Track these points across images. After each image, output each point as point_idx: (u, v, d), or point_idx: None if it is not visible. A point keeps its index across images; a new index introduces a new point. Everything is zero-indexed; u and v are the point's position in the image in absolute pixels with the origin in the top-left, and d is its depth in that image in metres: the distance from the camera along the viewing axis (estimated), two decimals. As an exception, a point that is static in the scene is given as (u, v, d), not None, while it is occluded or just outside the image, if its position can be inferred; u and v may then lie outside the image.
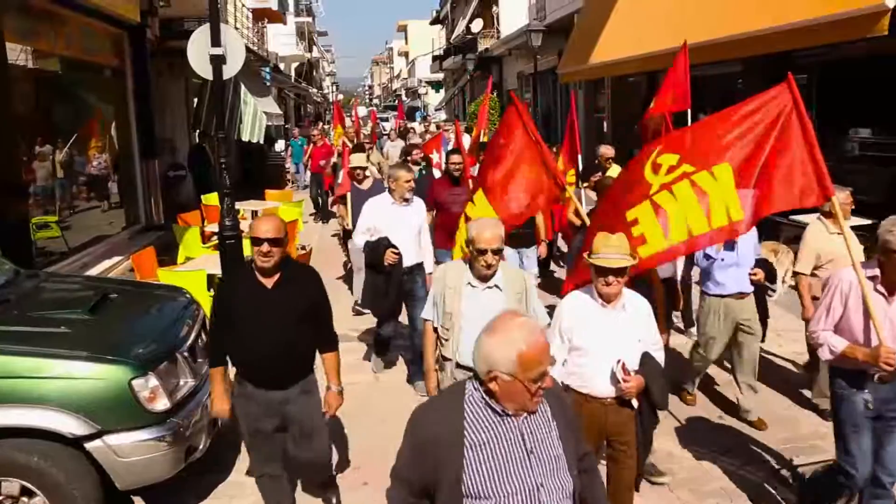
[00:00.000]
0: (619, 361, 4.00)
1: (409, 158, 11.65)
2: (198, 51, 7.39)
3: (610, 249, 4.00)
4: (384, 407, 6.67)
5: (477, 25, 36.31)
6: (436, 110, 50.74)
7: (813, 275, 6.21)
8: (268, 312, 4.18)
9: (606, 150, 9.94)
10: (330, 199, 15.17)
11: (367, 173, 9.36)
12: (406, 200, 6.88)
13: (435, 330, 4.71)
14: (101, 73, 12.13)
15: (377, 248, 6.61)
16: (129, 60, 12.44)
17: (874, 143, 9.98)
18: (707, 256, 6.15)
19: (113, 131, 12.42)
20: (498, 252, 4.28)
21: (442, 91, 58.04)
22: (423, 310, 4.85)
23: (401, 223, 6.83)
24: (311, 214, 17.83)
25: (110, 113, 12.44)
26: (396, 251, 6.57)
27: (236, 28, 19.43)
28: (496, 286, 4.39)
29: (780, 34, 8.86)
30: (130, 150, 12.60)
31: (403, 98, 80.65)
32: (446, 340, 4.54)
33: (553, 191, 5.65)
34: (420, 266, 7.06)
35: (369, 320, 8.65)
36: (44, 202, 9.83)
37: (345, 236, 10.04)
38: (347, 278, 10.69)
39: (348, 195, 9.22)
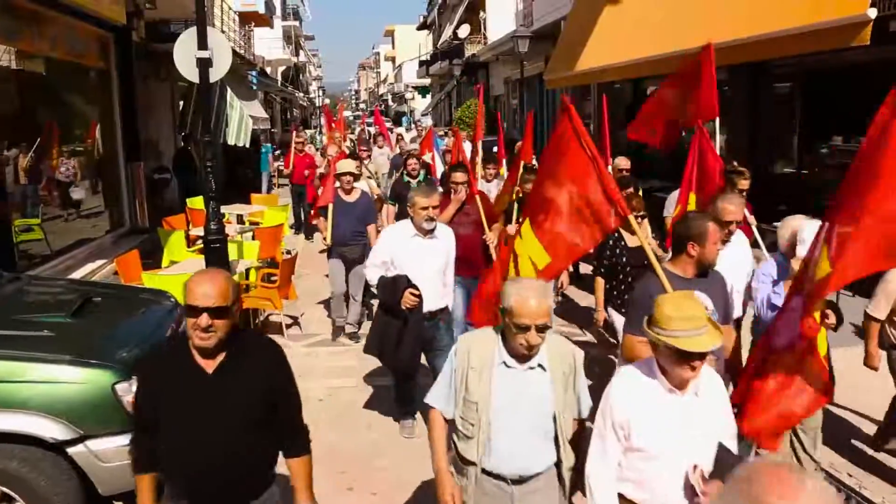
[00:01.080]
0: (695, 468, 2.99)
1: (405, 170, 10.65)
2: (184, 53, 7.36)
3: (690, 324, 2.95)
4: (369, 412, 6.66)
5: (464, 31, 36.43)
6: (422, 115, 50.73)
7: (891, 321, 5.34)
8: (207, 408, 3.01)
9: (621, 162, 9.89)
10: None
11: (357, 183, 8.72)
12: (429, 231, 5.76)
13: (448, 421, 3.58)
14: (86, 74, 12.07)
15: (394, 288, 5.54)
16: (114, 62, 12.38)
17: (857, 152, 10.05)
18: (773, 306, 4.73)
19: (98, 133, 12.36)
20: (544, 329, 3.22)
21: (428, 96, 58.16)
22: (430, 393, 3.66)
23: (424, 258, 5.73)
24: (290, 227, 15.70)
25: (95, 115, 12.37)
26: (417, 292, 5.51)
27: (223, 31, 19.39)
28: (539, 366, 3.35)
29: (765, 43, 8.92)
30: (115, 152, 12.54)
31: (390, 103, 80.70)
32: (469, 438, 3.43)
33: (609, 221, 4.29)
34: (445, 310, 6.05)
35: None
36: (27, 204, 9.77)
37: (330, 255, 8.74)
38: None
39: (330, 207, 8.36)
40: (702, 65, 6.60)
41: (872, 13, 7.01)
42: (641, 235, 4.51)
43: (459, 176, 7.04)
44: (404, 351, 5.66)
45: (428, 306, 5.68)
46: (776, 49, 8.88)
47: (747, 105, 11.90)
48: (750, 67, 10.80)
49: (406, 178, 10.46)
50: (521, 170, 7.72)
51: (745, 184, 6.84)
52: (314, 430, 6.20)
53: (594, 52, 14.38)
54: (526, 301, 3.17)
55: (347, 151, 11.47)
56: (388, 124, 44.83)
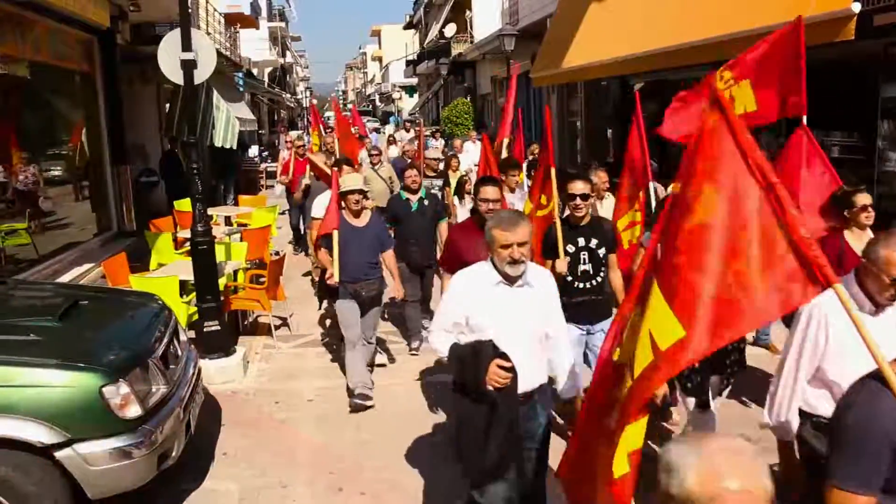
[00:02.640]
0: None
1: (402, 184, 8.75)
2: (168, 55, 7.32)
3: None
4: (359, 413, 6.65)
5: (450, 30, 36.39)
6: (409, 115, 50.68)
7: None
8: None
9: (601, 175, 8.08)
10: (307, 233, 10.78)
11: (367, 201, 7.17)
12: (517, 277, 3.89)
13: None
14: (71, 78, 12.00)
15: (475, 361, 3.73)
16: (98, 65, 12.30)
17: (843, 146, 10.13)
18: None
19: (83, 137, 12.30)
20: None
21: (416, 96, 58.11)
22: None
23: (514, 314, 3.88)
24: (290, 243, 14.48)
25: (80, 118, 12.31)
26: (508, 364, 3.70)
27: (208, 33, 19.33)
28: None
29: (751, 38, 8.95)
30: (101, 155, 12.47)
31: (377, 103, 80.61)
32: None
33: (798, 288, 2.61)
34: (543, 389, 4.14)
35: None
36: (13, 208, 9.71)
37: (326, 292, 7.26)
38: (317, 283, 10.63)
39: (335, 236, 6.66)
40: (787, 40, 5.42)
41: (857, 7, 7.06)
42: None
43: (491, 191, 5.44)
44: (492, 452, 3.77)
45: (524, 384, 3.84)
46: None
47: (733, 101, 11.92)
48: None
49: (404, 195, 8.40)
50: (552, 179, 5.82)
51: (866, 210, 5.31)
52: (303, 431, 6.23)
53: (580, 50, 14.40)
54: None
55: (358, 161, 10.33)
56: (376, 125, 44.70)
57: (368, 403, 6.68)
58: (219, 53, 15.91)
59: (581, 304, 5.48)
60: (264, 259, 10.11)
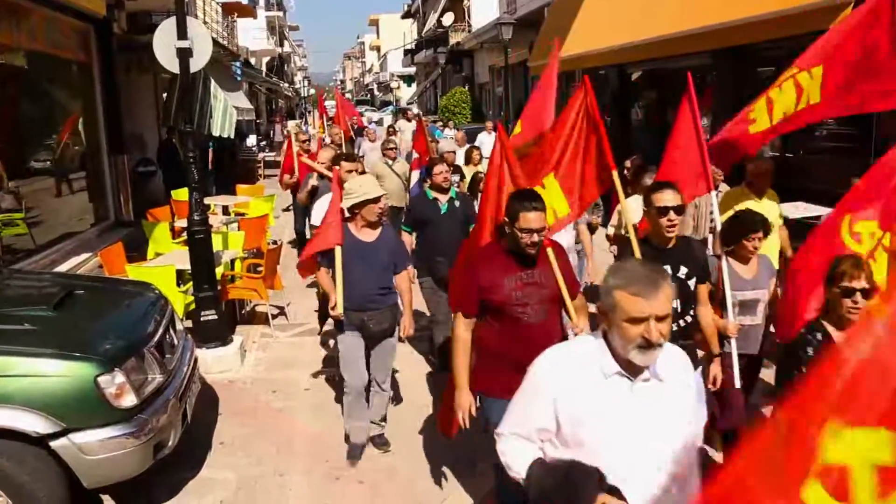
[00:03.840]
0: None
1: (431, 182, 7.23)
2: (164, 44, 7.29)
3: None
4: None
5: (448, 19, 36.35)
6: (408, 104, 50.61)
7: None
8: None
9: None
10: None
11: (383, 205, 5.55)
12: (643, 369, 2.54)
13: None
14: (67, 67, 11.95)
15: (570, 494, 2.45)
16: (95, 55, 12.25)
17: (840, 134, 10.12)
18: None
19: (80, 126, 12.26)
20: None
21: (414, 85, 58.03)
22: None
23: (635, 424, 2.53)
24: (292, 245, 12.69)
25: (77, 108, 12.26)
26: None
27: (205, 22, 19.25)
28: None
29: (747, 26, 8.94)
30: (98, 145, 12.43)
31: (376, 92, 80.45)
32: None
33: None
34: None
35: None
36: (10, 199, 9.68)
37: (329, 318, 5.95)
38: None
39: (338, 254, 5.32)
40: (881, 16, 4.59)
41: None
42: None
43: (535, 218, 3.85)
44: None
45: None
46: (758, 33, 8.90)
47: (731, 89, 11.92)
48: (733, 51, 10.80)
49: (431, 194, 7.16)
50: (616, 186, 4.77)
51: None
52: (300, 420, 6.24)
53: (579, 38, 14.37)
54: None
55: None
56: (375, 113, 44.43)
57: (361, 456, 5.63)
58: (216, 43, 15.88)
59: None
60: (262, 248, 10.09)
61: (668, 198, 4.22)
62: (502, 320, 4.02)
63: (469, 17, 33.72)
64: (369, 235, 5.40)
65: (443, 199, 7.08)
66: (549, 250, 4.07)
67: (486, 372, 4.10)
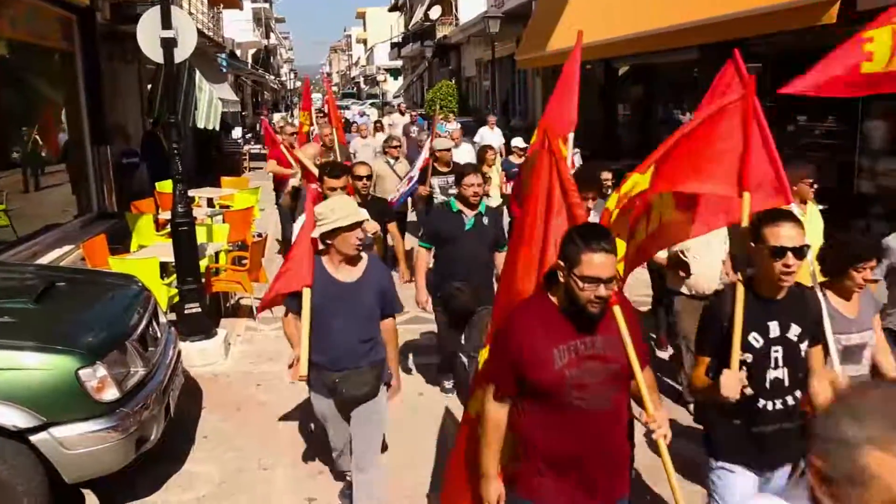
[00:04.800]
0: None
1: (459, 193, 6.11)
2: (147, 33, 7.22)
3: None
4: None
5: (435, 12, 36.30)
6: (394, 97, 50.49)
7: None
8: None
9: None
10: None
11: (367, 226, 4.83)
12: None
13: None
14: (50, 57, 11.83)
15: None
16: (78, 44, 12.13)
17: (826, 131, 10.15)
18: None
19: (63, 117, 12.15)
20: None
21: (400, 78, 57.93)
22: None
23: None
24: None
25: (60, 98, 12.15)
26: None
27: (190, 13, 19.11)
28: None
29: (735, 21, 8.95)
30: (81, 136, 12.31)
31: (362, 85, 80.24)
32: None
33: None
34: None
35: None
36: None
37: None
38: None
39: (306, 297, 4.19)
40: None
41: (840, -9, 7.06)
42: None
43: (602, 264, 2.83)
44: None
45: None
46: (746, 28, 8.91)
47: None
48: (720, 47, 10.80)
49: (455, 205, 6.09)
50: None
51: None
52: (284, 414, 6.20)
53: (566, 32, 14.36)
54: None
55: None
56: (363, 107, 44.17)
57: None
58: (202, 34, 15.75)
59: (765, 438, 3.31)
60: (246, 241, 10.03)
61: (788, 234, 3.15)
62: (551, 407, 2.95)
63: (456, 10, 33.66)
64: (349, 273, 4.22)
65: (469, 213, 6.01)
66: (617, 309, 2.96)
67: (530, 476, 3.07)
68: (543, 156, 3.38)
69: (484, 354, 3.49)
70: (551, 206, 3.28)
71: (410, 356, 7.40)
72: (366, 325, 4.28)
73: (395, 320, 4.55)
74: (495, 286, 5.19)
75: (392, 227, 7.20)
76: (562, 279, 2.91)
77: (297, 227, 5.49)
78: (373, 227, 5.70)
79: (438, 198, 8.63)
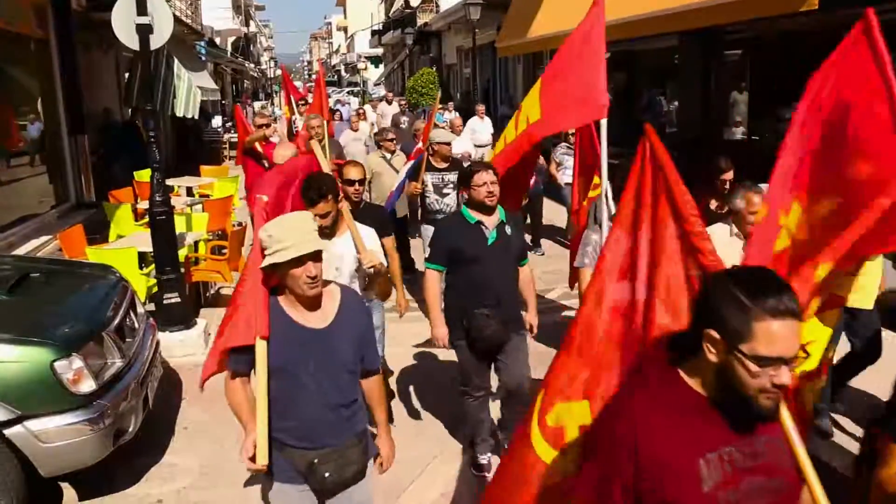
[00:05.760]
0: None
1: (480, 197, 4.77)
2: (122, 20, 7.11)
3: None
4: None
5: (416, 0, 36.08)
6: (375, 85, 50.29)
7: None
8: None
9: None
10: None
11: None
12: None
13: None
14: (23, 44, 11.64)
15: None
16: (52, 31, 11.96)
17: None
18: None
19: (38, 106, 11.99)
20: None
21: (381, 66, 57.70)
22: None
23: None
24: None
25: (35, 86, 11.98)
26: None
27: (167, 0, 18.89)
28: None
29: (716, 8, 8.92)
30: (58, 125, 12.16)
31: (343, 73, 79.88)
32: None
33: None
34: None
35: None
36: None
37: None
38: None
39: (261, 352, 3.13)
40: None
41: (821, -24, 7.04)
42: None
43: (787, 337, 1.86)
44: None
45: None
46: (727, 14, 8.88)
47: (699, 72, 11.94)
48: (701, 34, 10.80)
49: (472, 216, 4.81)
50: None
51: None
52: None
53: (546, 19, 14.29)
54: None
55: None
56: (340, 95, 43.91)
57: None
58: (179, 21, 15.57)
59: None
60: (226, 230, 9.95)
61: None
62: None
63: (437, -3, 33.54)
64: (317, 317, 3.13)
65: (489, 222, 4.79)
66: (783, 408, 2.03)
67: None
68: (646, 165, 2.47)
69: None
70: (660, 241, 2.37)
71: (413, 394, 6.43)
72: (345, 385, 3.19)
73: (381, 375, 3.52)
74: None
75: (389, 243, 5.34)
76: (713, 355, 1.92)
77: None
78: (372, 258, 4.46)
79: (431, 197, 7.77)
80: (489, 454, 5.06)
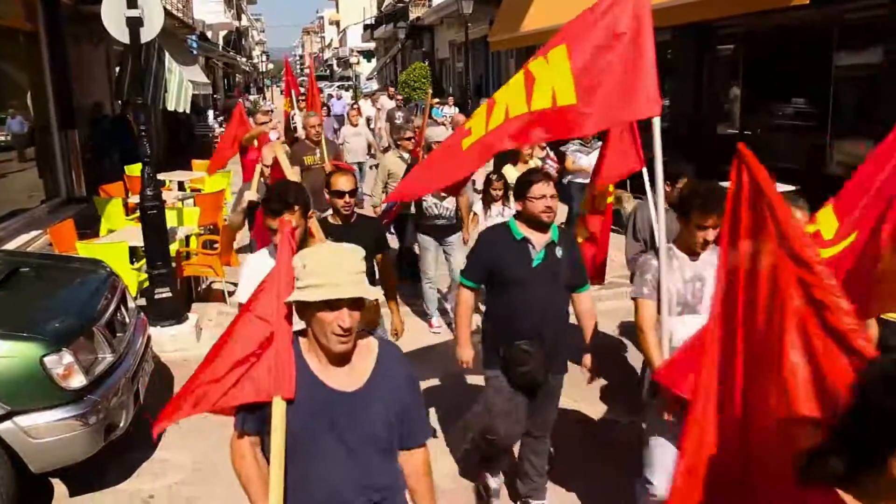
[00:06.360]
0: None
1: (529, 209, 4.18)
2: (112, 13, 7.06)
3: None
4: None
5: (408, -7, 36.02)
6: (367, 80, 50.18)
7: None
8: None
9: None
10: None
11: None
12: None
13: None
14: (12, 37, 11.56)
15: None
16: (42, 25, 11.88)
17: (797, 112, 10.20)
18: None
19: (28, 99, 11.91)
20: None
21: (373, 60, 57.58)
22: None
23: None
24: None
25: (25, 80, 11.90)
26: None
27: (159, -7, 18.77)
28: None
29: (709, 2, 8.93)
30: (48, 119, 12.09)
31: (335, 67, 79.69)
32: None
33: None
34: None
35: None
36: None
37: None
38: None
39: (278, 415, 2.43)
40: None
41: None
42: None
43: None
44: None
45: None
46: (719, 9, 8.89)
47: (692, 67, 11.94)
48: (694, 29, 10.81)
49: (519, 231, 4.18)
50: None
51: None
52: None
53: (539, 13, 14.28)
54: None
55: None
56: (331, 89, 43.69)
57: None
58: (170, 14, 15.48)
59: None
60: (217, 224, 9.91)
61: None
62: None
63: (429, -9, 33.47)
64: (344, 376, 2.49)
65: (538, 240, 4.15)
66: None
67: None
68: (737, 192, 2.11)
69: None
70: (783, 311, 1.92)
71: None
72: (376, 465, 2.50)
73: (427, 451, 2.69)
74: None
75: (385, 259, 5.01)
76: None
77: (245, 275, 3.85)
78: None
79: (428, 200, 7.26)
80: (501, 477, 4.67)
